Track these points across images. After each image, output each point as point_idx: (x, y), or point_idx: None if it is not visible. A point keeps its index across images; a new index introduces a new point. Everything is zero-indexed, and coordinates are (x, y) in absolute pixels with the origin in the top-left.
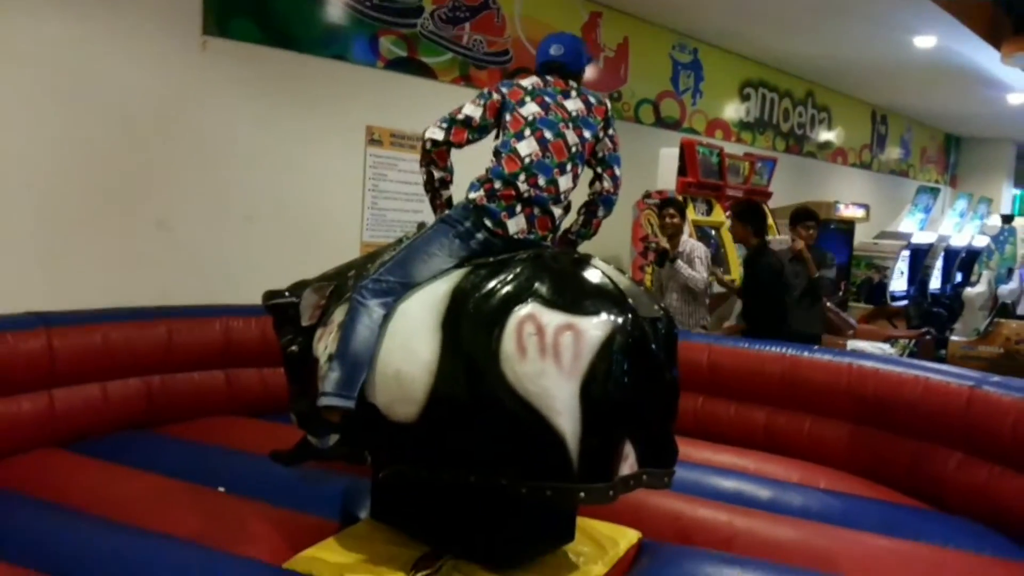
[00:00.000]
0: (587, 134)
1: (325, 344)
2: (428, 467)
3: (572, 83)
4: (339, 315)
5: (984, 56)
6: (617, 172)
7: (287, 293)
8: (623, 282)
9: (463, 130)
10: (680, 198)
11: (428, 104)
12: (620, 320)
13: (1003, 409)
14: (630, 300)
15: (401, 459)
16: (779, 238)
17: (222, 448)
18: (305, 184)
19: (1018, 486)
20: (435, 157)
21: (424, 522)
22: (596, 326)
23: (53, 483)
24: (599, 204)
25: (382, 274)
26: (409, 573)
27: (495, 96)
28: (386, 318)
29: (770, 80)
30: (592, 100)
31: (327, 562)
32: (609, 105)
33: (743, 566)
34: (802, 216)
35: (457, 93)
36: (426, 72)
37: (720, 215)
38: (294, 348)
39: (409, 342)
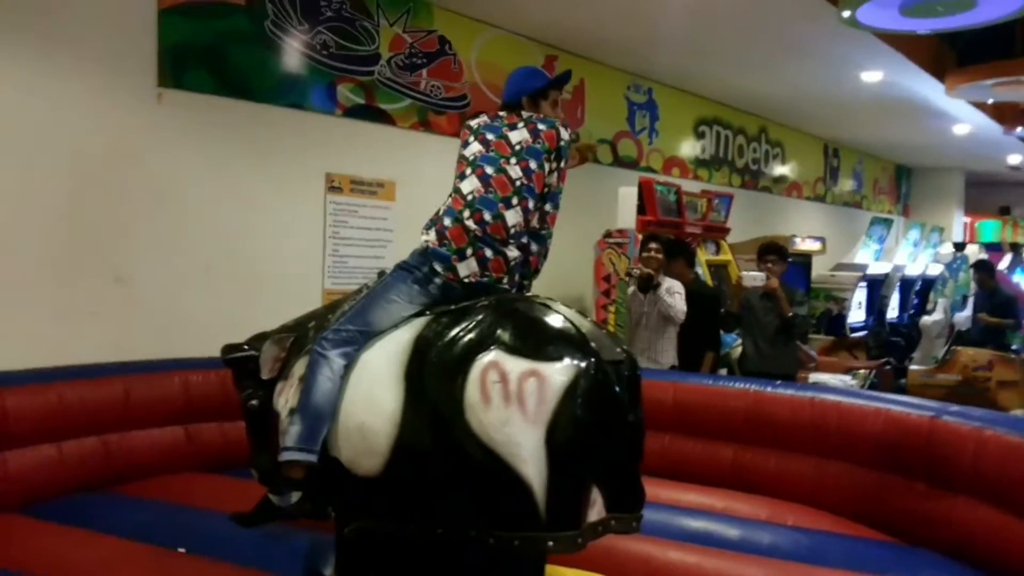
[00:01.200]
0: (533, 164)
1: (286, 398)
2: (394, 521)
3: (524, 113)
4: (300, 368)
5: (929, 89)
6: (548, 208)
7: (246, 346)
8: (585, 325)
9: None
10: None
11: (388, 150)
12: (583, 364)
13: (963, 438)
14: (592, 344)
15: (366, 514)
16: (752, 274)
17: (183, 507)
18: (265, 233)
19: (980, 516)
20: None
21: None
22: (559, 371)
23: (7, 550)
24: (529, 240)
25: (342, 323)
26: None
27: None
28: (348, 368)
29: (724, 117)
30: (541, 127)
31: None
32: (563, 132)
33: None
34: (764, 251)
35: (416, 139)
36: (385, 119)
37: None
38: (254, 402)
39: (372, 393)
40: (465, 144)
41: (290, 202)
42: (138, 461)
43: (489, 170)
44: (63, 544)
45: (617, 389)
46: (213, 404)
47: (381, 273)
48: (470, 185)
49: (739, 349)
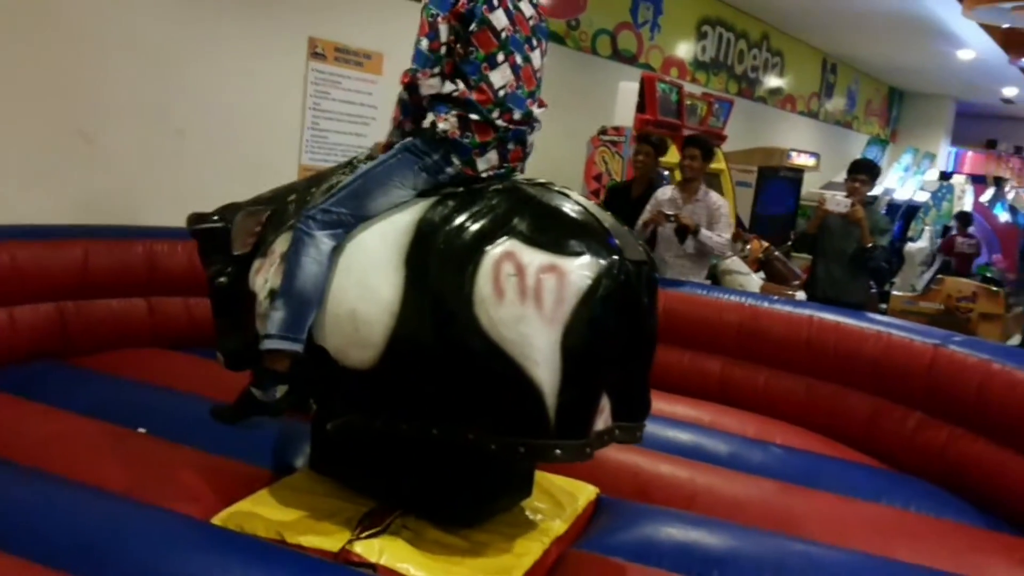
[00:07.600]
0: (545, 45)
1: (265, 277)
2: (385, 418)
3: None
4: (280, 245)
5: (944, 8)
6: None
7: (216, 217)
8: (607, 220)
9: (426, 72)
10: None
11: (377, 19)
12: (606, 263)
13: (969, 370)
14: (616, 240)
15: (354, 408)
16: (836, 197)
17: (143, 383)
18: (242, 98)
19: (979, 449)
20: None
21: (370, 475)
22: (581, 268)
23: None
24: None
25: (332, 204)
26: (354, 531)
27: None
28: (336, 251)
29: (728, 19)
30: None
31: (262, 518)
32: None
33: (709, 528)
34: (856, 168)
35: (408, 8)
36: None
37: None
38: (223, 279)
39: (367, 278)
40: (490, 5)
41: (270, 67)
42: (96, 332)
43: (519, 59)
44: (12, 416)
45: (639, 292)
46: (179, 277)
47: (373, 149)
48: (502, 77)
49: (727, 262)
